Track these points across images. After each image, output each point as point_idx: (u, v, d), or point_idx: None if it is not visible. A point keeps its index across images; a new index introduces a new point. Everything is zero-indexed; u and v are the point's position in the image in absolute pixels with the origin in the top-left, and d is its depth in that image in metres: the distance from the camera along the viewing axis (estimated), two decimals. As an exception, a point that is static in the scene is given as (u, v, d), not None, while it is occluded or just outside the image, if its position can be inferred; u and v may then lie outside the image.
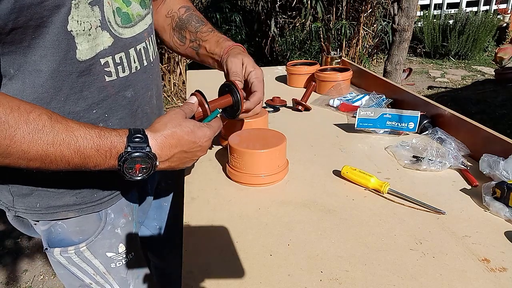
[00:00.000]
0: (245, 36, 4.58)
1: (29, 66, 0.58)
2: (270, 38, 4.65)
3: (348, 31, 4.45)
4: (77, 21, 0.58)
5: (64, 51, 0.59)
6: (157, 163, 0.61)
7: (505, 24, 5.82)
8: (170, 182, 0.99)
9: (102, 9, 0.62)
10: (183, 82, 4.08)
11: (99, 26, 0.62)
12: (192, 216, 0.74)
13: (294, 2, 4.51)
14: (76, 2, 0.57)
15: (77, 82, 0.62)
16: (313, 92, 1.44)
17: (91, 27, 0.61)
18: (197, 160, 0.71)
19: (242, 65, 0.84)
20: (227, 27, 4.50)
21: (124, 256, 0.80)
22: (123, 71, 0.68)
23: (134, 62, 0.70)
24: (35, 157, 0.53)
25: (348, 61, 1.67)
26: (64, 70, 0.60)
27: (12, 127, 0.50)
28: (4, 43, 0.55)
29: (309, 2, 4.17)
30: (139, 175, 0.60)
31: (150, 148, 0.60)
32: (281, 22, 4.67)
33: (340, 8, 4.63)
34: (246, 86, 0.85)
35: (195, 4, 4.60)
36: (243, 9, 4.83)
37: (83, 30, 0.60)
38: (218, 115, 0.76)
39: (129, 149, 0.58)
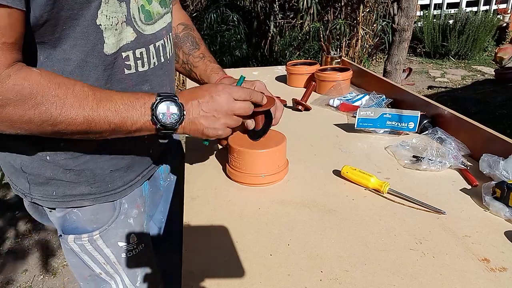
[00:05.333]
0: (244, 36, 4.58)
1: (58, 55, 0.61)
2: (269, 38, 4.65)
3: (345, 30, 4.44)
4: (106, 16, 0.62)
5: (92, 43, 0.62)
6: (185, 112, 0.66)
7: (505, 24, 5.82)
8: (176, 176, 0.99)
9: (128, 5, 0.65)
10: (183, 82, 4.08)
11: (124, 21, 0.65)
12: (192, 216, 0.74)
13: (291, 2, 4.51)
14: None
15: (103, 76, 0.66)
16: (313, 92, 1.44)
17: (118, 22, 0.64)
18: (217, 128, 0.69)
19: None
20: (225, 26, 4.50)
21: (135, 246, 0.82)
22: (143, 66, 0.71)
23: (153, 58, 0.73)
24: (82, 121, 0.59)
25: (348, 61, 1.67)
26: (91, 61, 0.63)
27: (62, 99, 0.57)
28: (37, 35, 0.58)
29: (305, 2, 4.16)
30: (170, 121, 0.65)
31: (177, 98, 0.66)
32: (280, 22, 4.67)
33: (338, 8, 4.63)
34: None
35: (195, 4, 4.60)
36: (242, 9, 4.82)
37: (111, 25, 0.63)
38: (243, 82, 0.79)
39: (160, 97, 0.64)
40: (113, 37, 0.64)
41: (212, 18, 4.40)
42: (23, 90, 0.54)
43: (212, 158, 0.98)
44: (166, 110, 0.64)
